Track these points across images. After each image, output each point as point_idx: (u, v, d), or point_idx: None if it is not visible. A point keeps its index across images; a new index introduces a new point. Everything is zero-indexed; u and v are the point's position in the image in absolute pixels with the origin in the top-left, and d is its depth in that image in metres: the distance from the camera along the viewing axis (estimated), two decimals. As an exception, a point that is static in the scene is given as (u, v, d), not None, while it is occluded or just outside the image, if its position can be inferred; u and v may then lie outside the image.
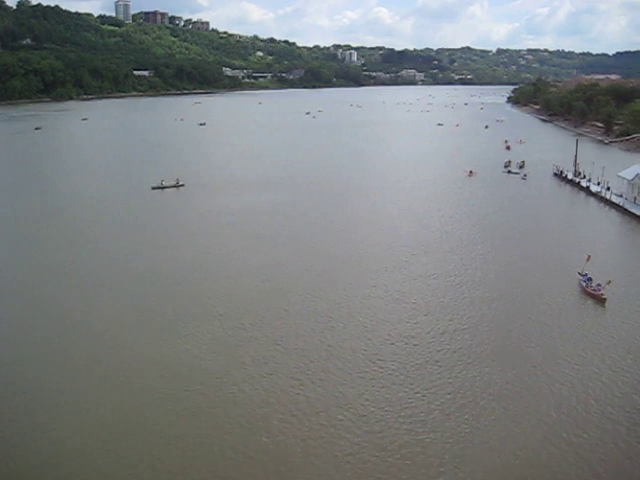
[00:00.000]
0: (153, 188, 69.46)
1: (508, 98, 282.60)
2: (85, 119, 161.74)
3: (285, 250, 46.05)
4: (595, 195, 70.71)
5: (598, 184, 73.81)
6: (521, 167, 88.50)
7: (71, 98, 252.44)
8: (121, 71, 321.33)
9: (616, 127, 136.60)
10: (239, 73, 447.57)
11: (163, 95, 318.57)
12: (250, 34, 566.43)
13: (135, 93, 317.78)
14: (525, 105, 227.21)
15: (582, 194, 73.10)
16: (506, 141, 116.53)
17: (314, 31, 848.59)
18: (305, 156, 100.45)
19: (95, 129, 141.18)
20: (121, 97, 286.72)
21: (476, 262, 43.54)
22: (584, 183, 75.82)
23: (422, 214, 59.13)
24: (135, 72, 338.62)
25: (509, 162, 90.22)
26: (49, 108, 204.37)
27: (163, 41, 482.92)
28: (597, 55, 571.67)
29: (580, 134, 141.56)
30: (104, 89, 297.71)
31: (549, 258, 44.88)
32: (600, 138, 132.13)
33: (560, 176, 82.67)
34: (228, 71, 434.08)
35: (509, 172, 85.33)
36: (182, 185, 70.98)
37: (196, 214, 58.76)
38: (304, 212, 60.02)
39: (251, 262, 42.78)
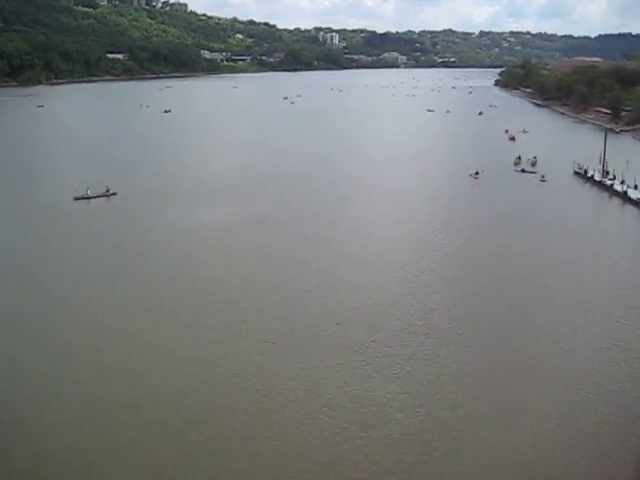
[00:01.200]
0: (76, 199, 52.66)
1: (496, 81, 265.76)
2: (41, 106, 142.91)
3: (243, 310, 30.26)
4: (637, 204, 55.08)
5: (636, 187, 58.38)
6: (534, 164, 72.71)
7: (40, 82, 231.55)
8: (94, 54, 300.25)
9: (624, 113, 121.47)
10: (218, 56, 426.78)
11: (138, 79, 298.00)
12: (230, 16, 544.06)
13: (108, 77, 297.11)
14: (515, 89, 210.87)
15: (617, 201, 57.50)
16: (507, 131, 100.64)
17: (295, 13, 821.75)
18: (278, 152, 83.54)
19: (45, 119, 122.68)
20: (93, 81, 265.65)
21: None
22: (618, 187, 60.16)
23: (426, 240, 43.03)
24: (109, 55, 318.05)
25: (519, 158, 74.33)
26: (14, 93, 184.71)
27: (139, 23, 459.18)
28: (579, 38, 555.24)
29: (583, 121, 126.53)
30: (75, 73, 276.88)
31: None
32: (608, 126, 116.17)
33: (584, 176, 66.77)
34: (206, 54, 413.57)
35: (522, 171, 69.42)
36: (113, 194, 54.22)
37: (121, 238, 42.34)
38: (274, 230, 44.46)
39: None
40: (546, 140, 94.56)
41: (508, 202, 54.84)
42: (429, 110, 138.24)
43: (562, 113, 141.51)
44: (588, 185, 64.42)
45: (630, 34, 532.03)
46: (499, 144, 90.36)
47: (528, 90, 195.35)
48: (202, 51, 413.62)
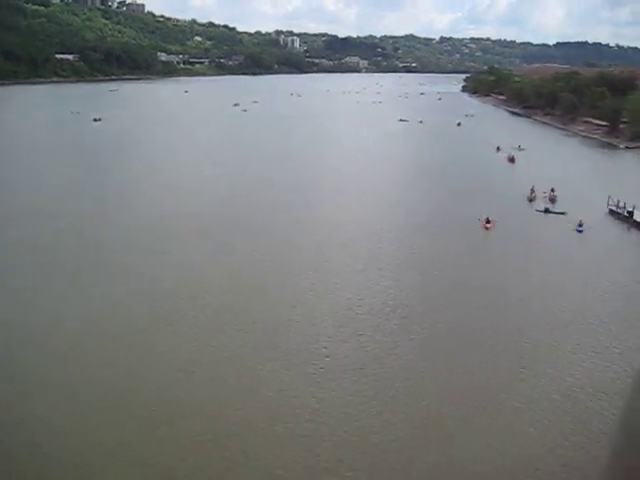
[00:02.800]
0: None
1: (463, 87, 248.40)
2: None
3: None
4: None
5: None
6: (553, 200, 53.10)
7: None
8: (41, 54, 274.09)
9: (622, 126, 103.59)
10: (175, 58, 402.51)
11: (88, 81, 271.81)
12: (190, 18, 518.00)
13: (56, 79, 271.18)
14: (486, 95, 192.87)
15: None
16: (499, 148, 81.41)
17: (257, 17, 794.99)
18: (213, 179, 62.07)
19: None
20: (39, 83, 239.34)
21: None
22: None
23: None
24: (58, 56, 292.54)
25: (534, 191, 54.48)
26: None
27: (93, 23, 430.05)
28: (538, 45, 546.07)
29: (575, 133, 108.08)
30: (20, 74, 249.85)
31: None
32: (607, 140, 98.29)
33: (626, 219, 47.25)
34: (163, 56, 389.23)
35: (546, 212, 49.48)
36: None
37: None
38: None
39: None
40: (549, 161, 75.28)
41: (550, 281, 34.39)
42: (402, 120, 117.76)
43: (546, 124, 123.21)
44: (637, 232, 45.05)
45: (587, 42, 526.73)
46: (496, 167, 70.73)
47: (501, 97, 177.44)
48: (159, 53, 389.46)
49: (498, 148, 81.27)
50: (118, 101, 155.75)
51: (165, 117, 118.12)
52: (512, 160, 73.14)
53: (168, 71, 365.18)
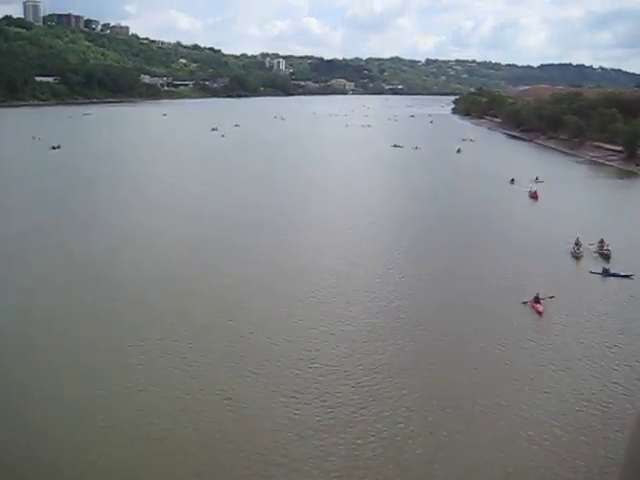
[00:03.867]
0: None
1: (453, 109, 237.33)
2: None
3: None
4: None
5: None
6: (606, 256, 40.32)
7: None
8: (20, 77, 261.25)
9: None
10: (158, 81, 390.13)
11: (69, 104, 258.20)
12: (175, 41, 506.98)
13: (35, 102, 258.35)
14: (480, 118, 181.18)
15: None
16: (513, 180, 68.76)
17: (243, 40, 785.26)
18: (178, 224, 48.84)
19: None
20: (16, 106, 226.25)
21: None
22: None
23: None
24: (38, 78, 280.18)
25: (579, 245, 41.57)
26: None
27: (77, 46, 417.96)
28: (522, 67, 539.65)
29: (588, 160, 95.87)
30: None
31: None
32: (627, 168, 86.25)
33: None
34: (146, 79, 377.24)
35: (605, 274, 36.60)
36: None
37: None
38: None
39: None
40: (575, 196, 63.03)
41: None
42: (395, 145, 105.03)
43: (551, 148, 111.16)
44: None
45: (571, 64, 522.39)
46: (517, 206, 57.79)
47: (496, 120, 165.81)
48: (142, 76, 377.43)
49: (512, 180, 68.63)
50: (88, 126, 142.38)
51: (131, 144, 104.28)
52: (535, 196, 60.25)
53: (151, 94, 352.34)
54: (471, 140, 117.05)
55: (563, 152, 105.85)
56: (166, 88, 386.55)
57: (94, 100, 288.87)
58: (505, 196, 61.88)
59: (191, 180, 69.34)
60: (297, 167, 79.08)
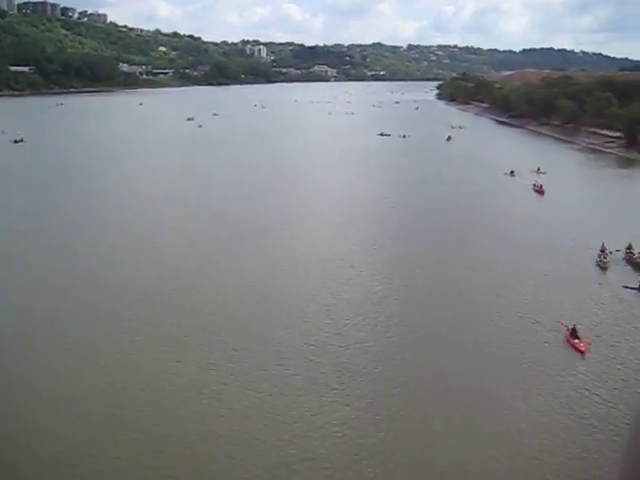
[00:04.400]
0: None
1: (438, 95, 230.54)
2: None
3: None
4: None
5: None
6: (637, 263, 34.16)
7: None
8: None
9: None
10: (137, 69, 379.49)
11: (44, 94, 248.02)
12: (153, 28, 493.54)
13: (9, 92, 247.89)
14: (466, 103, 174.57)
15: None
16: (512, 172, 62.17)
17: (224, 28, 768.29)
18: (140, 236, 41.73)
19: None
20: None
21: None
22: None
23: None
24: (13, 68, 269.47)
25: (605, 252, 35.11)
26: None
27: (53, 34, 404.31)
28: (504, 52, 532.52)
29: (586, 147, 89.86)
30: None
31: None
32: (628, 156, 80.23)
33: None
34: (125, 67, 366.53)
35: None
36: None
37: None
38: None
39: None
40: (583, 190, 56.75)
41: None
42: (382, 134, 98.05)
43: (544, 135, 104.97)
44: None
45: (553, 48, 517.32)
46: (522, 202, 51.04)
47: (483, 105, 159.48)
48: (121, 64, 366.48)
49: (512, 172, 62.16)
50: (59, 117, 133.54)
51: (98, 138, 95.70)
52: (540, 191, 53.79)
53: (130, 82, 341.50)
54: (460, 127, 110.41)
55: (557, 139, 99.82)
56: (145, 77, 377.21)
57: (71, 90, 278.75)
58: (507, 191, 55.38)
59: (154, 179, 61.98)
60: (277, 160, 71.92)
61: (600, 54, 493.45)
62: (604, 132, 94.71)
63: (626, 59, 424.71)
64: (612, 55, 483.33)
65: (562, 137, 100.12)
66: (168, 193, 53.28)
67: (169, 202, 49.51)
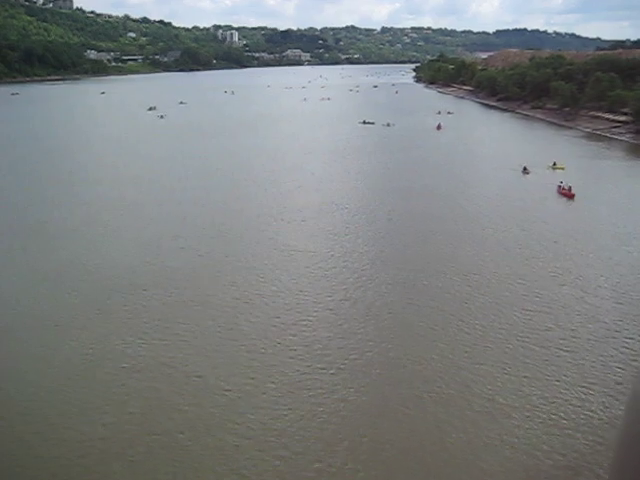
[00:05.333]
0: None
1: (417, 78, 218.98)
2: None
3: None
4: None
5: None
6: None
7: None
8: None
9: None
10: (105, 56, 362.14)
11: (6, 83, 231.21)
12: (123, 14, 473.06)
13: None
14: (447, 86, 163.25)
15: None
16: (525, 169, 51.03)
17: (196, 13, 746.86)
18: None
19: None
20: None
21: None
22: None
23: None
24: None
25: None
26: None
27: (16, 21, 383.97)
28: (478, 33, 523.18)
29: (591, 134, 79.40)
30: None
31: None
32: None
33: None
34: (93, 54, 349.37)
35: None
36: None
37: None
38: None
39: None
40: (614, 191, 45.81)
41: None
42: (365, 122, 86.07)
43: (542, 120, 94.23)
44: None
45: (526, 29, 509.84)
46: (551, 212, 39.69)
47: (466, 88, 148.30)
48: (88, 51, 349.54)
49: (525, 169, 51.13)
50: (7, 109, 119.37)
51: (43, 132, 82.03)
52: (569, 194, 42.66)
53: (98, 70, 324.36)
54: (449, 113, 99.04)
55: (554, 124, 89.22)
56: (114, 64, 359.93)
57: (35, 78, 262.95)
58: (526, 193, 44.12)
59: (81, 182, 49.74)
60: (243, 161, 59.76)
61: (573, 34, 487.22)
62: (607, 116, 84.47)
63: (598, 39, 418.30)
64: (584, 35, 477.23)
65: (560, 122, 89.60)
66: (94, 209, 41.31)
67: (89, 223, 37.61)
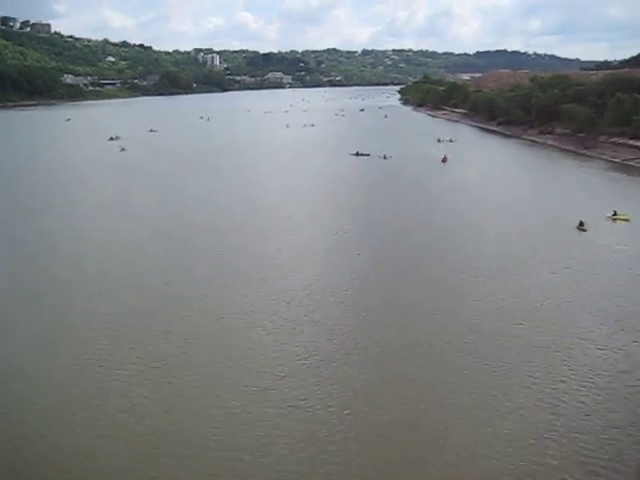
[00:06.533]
0: None
1: (403, 100, 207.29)
2: None
3: None
4: None
5: None
6: None
7: None
8: None
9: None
10: (82, 80, 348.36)
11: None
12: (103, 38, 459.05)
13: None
14: (438, 109, 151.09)
15: None
16: (581, 224, 37.65)
17: (178, 37, 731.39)
18: None
19: None
20: None
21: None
22: None
23: None
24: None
25: None
26: None
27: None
28: (459, 54, 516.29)
29: (622, 164, 66.89)
30: None
31: None
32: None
33: None
34: (69, 79, 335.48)
35: None
36: None
37: None
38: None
39: None
40: None
41: None
42: (358, 154, 72.45)
43: (555, 147, 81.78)
44: None
45: (506, 50, 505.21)
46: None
47: (458, 111, 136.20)
48: (65, 76, 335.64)
49: (582, 224, 37.78)
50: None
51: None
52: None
53: (74, 94, 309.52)
54: (450, 141, 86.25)
55: (572, 152, 76.67)
56: (91, 88, 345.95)
57: (8, 104, 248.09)
58: (606, 269, 30.65)
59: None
60: (209, 212, 45.91)
61: (553, 55, 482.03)
62: (634, 143, 72.14)
63: (577, 60, 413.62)
64: (563, 56, 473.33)
65: (577, 150, 77.12)
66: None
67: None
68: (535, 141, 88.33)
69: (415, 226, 39.64)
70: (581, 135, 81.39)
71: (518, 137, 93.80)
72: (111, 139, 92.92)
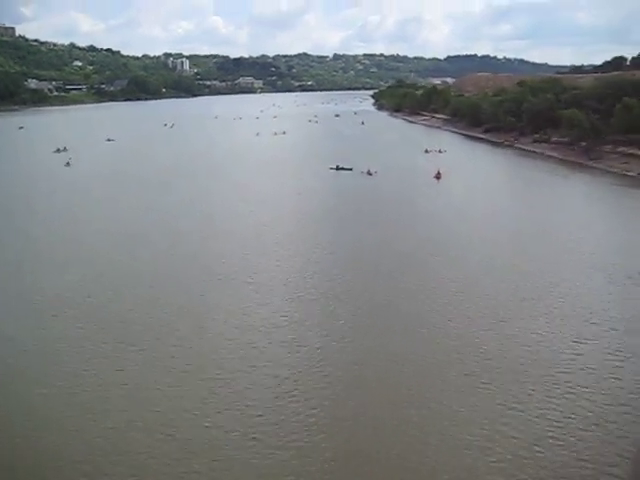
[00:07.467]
0: None
1: (378, 105, 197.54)
2: None
3: None
4: None
5: None
6: None
7: None
8: None
9: None
10: (47, 85, 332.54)
11: None
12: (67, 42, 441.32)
13: None
14: (416, 114, 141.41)
15: None
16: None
17: (148, 42, 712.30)
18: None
19: None
20: None
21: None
22: None
23: None
24: None
25: None
26: None
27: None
28: (430, 59, 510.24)
29: (638, 178, 57.46)
30: None
31: None
32: None
33: None
34: (33, 84, 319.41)
35: None
36: None
37: None
38: None
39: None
40: None
41: None
42: (338, 168, 61.71)
43: (550, 157, 72.47)
44: None
45: (476, 55, 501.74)
46: None
47: (439, 116, 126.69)
48: (29, 80, 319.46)
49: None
50: None
51: None
52: None
53: (38, 100, 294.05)
54: (439, 152, 76.16)
55: (576, 164, 67.34)
56: (56, 93, 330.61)
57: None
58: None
59: None
60: (159, 246, 34.92)
61: (522, 60, 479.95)
62: (646, 154, 63.03)
63: (546, 64, 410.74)
64: (532, 61, 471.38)
65: (582, 161, 67.80)
66: None
67: None
68: (530, 151, 78.85)
69: (429, 289, 28.94)
70: (583, 144, 72.05)
71: (510, 146, 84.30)
72: (57, 151, 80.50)
